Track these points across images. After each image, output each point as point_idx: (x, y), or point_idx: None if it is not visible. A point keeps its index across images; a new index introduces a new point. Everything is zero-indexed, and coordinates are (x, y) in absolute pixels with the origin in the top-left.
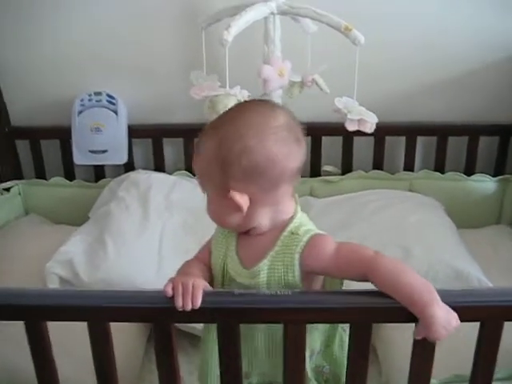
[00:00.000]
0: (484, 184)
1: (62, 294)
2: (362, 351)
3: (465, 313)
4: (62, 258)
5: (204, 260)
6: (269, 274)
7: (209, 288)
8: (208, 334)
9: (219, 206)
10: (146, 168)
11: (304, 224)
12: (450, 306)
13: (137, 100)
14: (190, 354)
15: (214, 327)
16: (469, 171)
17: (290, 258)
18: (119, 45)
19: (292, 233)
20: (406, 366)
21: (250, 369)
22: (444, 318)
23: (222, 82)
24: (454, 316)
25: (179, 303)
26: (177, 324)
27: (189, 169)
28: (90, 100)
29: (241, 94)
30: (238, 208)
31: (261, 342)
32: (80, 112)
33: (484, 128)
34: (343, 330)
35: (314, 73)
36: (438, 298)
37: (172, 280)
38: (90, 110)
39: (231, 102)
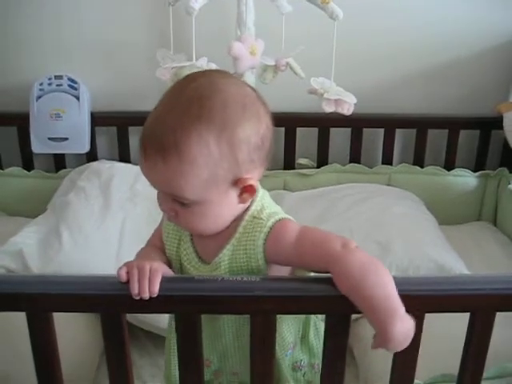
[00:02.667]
0: (464, 179)
1: None
2: (338, 347)
3: (454, 302)
4: (11, 248)
5: (159, 246)
6: (230, 265)
7: (170, 273)
8: (171, 332)
9: (221, 206)
10: (110, 158)
11: (267, 206)
12: (438, 296)
13: (101, 84)
14: (153, 356)
15: None
16: (449, 165)
17: (252, 245)
18: (82, 24)
19: (254, 217)
20: (387, 367)
21: (221, 366)
22: (403, 335)
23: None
24: (413, 328)
25: (135, 289)
26: (139, 323)
27: None
28: (49, 84)
29: (208, 66)
30: (250, 195)
31: (229, 337)
32: (39, 97)
33: (465, 121)
34: (317, 318)
35: (287, 56)
36: (402, 312)
37: (127, 263)
38: (49, 95)
39: None
